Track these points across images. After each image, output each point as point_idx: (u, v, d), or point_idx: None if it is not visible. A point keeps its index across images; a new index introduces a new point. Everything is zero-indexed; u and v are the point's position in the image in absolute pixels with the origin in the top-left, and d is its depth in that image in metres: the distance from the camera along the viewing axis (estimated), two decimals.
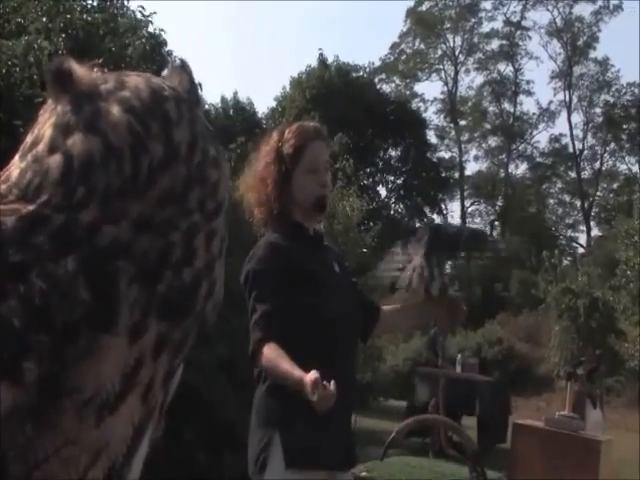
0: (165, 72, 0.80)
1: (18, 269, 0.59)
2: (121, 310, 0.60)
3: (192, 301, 0.66)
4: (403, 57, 40.41)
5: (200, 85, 7.29)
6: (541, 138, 43.69)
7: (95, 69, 0.75)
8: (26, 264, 0.59)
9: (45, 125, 0.69)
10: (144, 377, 0.63)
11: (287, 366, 2.04)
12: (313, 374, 1.90)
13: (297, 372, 1.98)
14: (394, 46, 40.42)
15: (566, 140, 39.00)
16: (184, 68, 0.78)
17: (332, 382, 1.90)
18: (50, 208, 0.62)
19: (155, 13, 6.89)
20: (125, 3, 7.03)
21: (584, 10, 39.43)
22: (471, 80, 51.79)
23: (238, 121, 28.19)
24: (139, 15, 6.83)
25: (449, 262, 2.57)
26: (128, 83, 0.70)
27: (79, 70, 0.71)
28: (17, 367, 0.57)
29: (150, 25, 6.80)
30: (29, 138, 0.69)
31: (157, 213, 0.64)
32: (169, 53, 7.01)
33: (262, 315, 2.16)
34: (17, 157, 0.69)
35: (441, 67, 40.70)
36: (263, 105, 48.97)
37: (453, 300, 2.51)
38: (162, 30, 6.80)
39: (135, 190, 0.64)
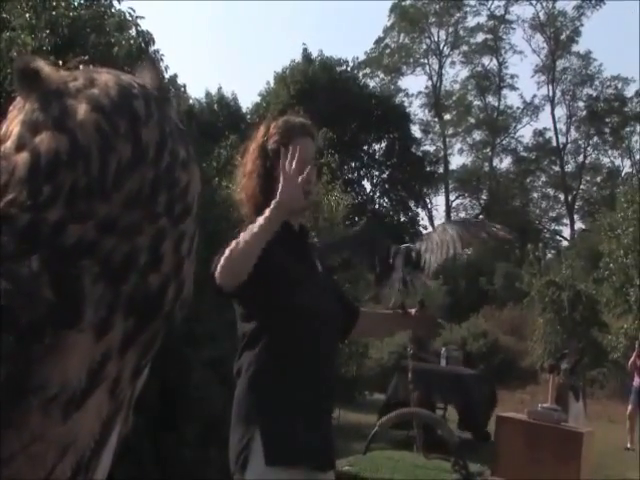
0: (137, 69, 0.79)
1: None
2: (86, 307, 0.60)
3: (159, 304, 0.66)
4: (387, 51, 40.42)
5: (184, 86, 7.26)
6: (525, 132, 44.21)
7: (81, 66, 0.74)
8: None
9: (13, 122, 0.69)
10: (111, 372, 0.63)
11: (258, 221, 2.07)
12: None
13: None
14: (378, 41, 40.44)
15: (550, 134, 39.27)
16: (154, 64, 0.78)
17: None
18: (16, 207, 0.62)
19: (143, 17, 6.82)
20: (114, 3, 6.95)
21: (567, 4, 39.68)
22: (455, 74, 51.86)
23: (222, 116, 28.08)
24: (127, 15, 6.76)
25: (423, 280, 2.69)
26: (97, 81, 0.70)
27: (46, 69, 0.70)
28: None
29: (138, 25, 6.73)
30: None
31: (123, 216, 0.64)
32: (156, 52, 6.96)
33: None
34: None
35: (425, 61, 40.79)
36: (247, 100, 48.77)
37: (429, 316, 2.60)
38: (148, 32, 6.75)
39: (102, 191, 0.64)
